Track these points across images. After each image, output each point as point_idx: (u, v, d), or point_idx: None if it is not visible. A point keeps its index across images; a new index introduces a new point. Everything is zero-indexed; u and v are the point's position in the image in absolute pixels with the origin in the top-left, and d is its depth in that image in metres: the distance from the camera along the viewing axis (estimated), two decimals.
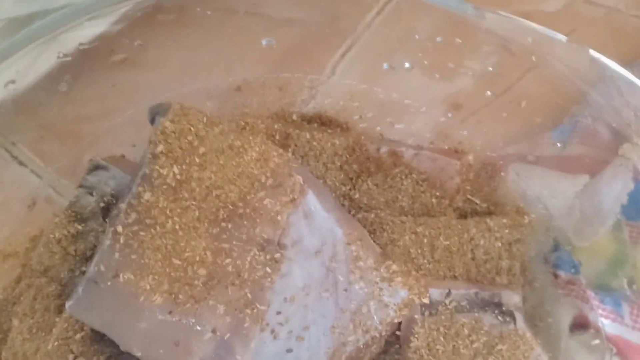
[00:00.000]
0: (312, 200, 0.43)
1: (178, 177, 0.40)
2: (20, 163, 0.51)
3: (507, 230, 0.48)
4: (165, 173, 0.40)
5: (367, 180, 0.51)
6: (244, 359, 0.41)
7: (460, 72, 0.50)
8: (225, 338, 0.41)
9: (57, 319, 0.45)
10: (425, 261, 0.47)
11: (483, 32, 0.45)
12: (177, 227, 0.40)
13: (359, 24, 0.54)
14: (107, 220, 0.46)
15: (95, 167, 0.48)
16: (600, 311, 0.48)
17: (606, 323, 0.48)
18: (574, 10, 0.57)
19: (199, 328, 0.40)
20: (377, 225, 0.48)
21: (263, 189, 0.41)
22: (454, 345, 0.43)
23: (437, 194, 0.51)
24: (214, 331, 0.40)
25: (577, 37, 0.47)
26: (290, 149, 0.50)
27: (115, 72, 0.52)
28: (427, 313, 0.44)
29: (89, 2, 0.47)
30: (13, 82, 0.46)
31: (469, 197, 0.51)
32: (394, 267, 0.43)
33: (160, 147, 0.40)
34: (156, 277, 0.40)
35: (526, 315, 0.47)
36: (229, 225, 0.41)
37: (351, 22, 0.54)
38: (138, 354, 0.41)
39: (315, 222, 0.43)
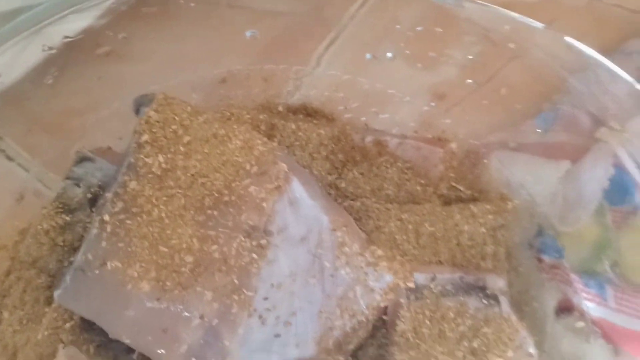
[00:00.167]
0: (297, 188, 0.43)
1: (163, 165, 0.41)
2: (8, 157, 0.51)
3: (491, 216, 0.49)
4: (150, 162, 0.41)
5: (353, 169, 0.52)
6: (232, 344, 0.41)
7: (442, 61, 0.50)
8: (213, 324, 0.41)
9: (47, 310, 0.45)
10: (410, 247, 0.48)
11: (463, 21, 0.46)
12: (163, 215, 0.40)
13: (343, 14, 0.54)
14: (94, 210, 0.46)
15: (82, 159, 0.48)
16: (584, 295, 0.48)
17: (590, 306, 0.48)
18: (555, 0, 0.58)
19: (186, 314, 0.41)
20: (363, 213, 0.49)
21: (248, 176, 0.42)
22: (439, 329, 0.43)
23: (422, 181, 0.52)
24: (201, 317, 0.41)
25: (558, 26, 0.48)
26: (276, 140, 0.50)
27: (101, 65, 0.52)
28: (412, 297, 0.44)
29: None
30: None
31: (453, 184, 0.52)
32: (379, 251, 0.43)
33: (145, 137, 0.41)
34: (143, 265, 0.40)
35: (512, 300, 0.47)
36: (215, 213, 0.41)
37: (335, 12, 0.54)
38: (127, 341, 0.41)
39: (300, 210, 0.43)
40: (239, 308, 0.42)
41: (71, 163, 0.49)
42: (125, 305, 0.41)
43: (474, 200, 0.51)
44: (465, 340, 0.43)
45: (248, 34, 0.52)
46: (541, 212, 0.51)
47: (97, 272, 0.41)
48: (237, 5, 0.52)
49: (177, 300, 0.41)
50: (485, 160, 0.51)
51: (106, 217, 0.40)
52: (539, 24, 0.44)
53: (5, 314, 0.45)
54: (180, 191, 0.41)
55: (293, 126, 0.51)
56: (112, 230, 0.40)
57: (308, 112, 0.56)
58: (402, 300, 0.44)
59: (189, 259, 0.41)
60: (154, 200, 0.41)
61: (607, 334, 0.48)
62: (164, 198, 0.41)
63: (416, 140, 0.52)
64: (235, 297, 0.41)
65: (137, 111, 0.43)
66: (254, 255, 0.42)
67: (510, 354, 0.42)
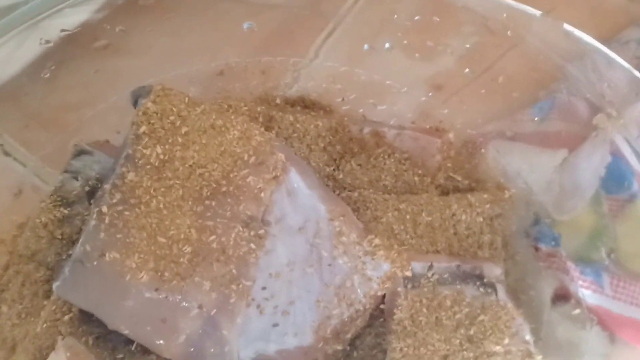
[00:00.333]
0: (294, 178, 0.43)
1: (161, 156, 0.41)
2: (5, 152, 0.51)
3: (488, 205, 0.49)
4: (148, 153, 0.41)
5: (351, 160, 0.52)
6: (231, 334, 0.42)
7: (440, 50, 0.50)
8: (212, 314, 0.41)
9: (45, 303, 0.45)
10: (408, 237, 0.48)
11: (460, 10, 0.46)
12: (161, 205, 0.41)
13: (341, 6, 0.54)
14: (92, 202, 0.47)
15: (80, 152, 0.49)
16: (580, 282, 0.49)
17: (587, 294, 0.49)
18: None
19: (185, 304, 0.41)
20: (360, 204, 0.49)
21: (246, 167, 0.42)
22: (436, 317, 0.44)
23: (420, 172, 0.52)
24: (200, 307, 0.41)
25: (556, 15, 0.48)
26: (274, 132, 0.50)
27: (98, 58, 0.52)
28: (409, 286, 0.45)
29: None
30: None
31: (451, 174, 0.52)
32: (377, 240, 0.44)
33: (142, 128, 0.41)
34: (142, 256, 0.40)
35: (509, 289, 0.47)
36: (213, 203, 0.41)
37: (333, 4, 0.54)
38: (125, 332, 0.41)
39: (298, 200, 0.43)
40: (237, 298, 0.42)
41: (69, 156, 0.50)
42: (124, 296, 0.41)
43: (471, 189, 0.52)
44: (462, 328, 0.44)
45: (245, 25, 0.52)
46: (538, 200, 0.51)
47: (95, 263, 0.41)
48: None
49: (176, 291, 0.41)
50: (482, 150, 0.52)
51: (104, 209, 0.41)
52: (536, 12, 0.44)
53: (4, 308, 0.46)
54: (178, 182, 0.41)
55: (291, 118, 0.51)
56: (110, 221, 0.41)
57: (306, 104, 0.56)
58: (399, 288, 0.45)
59: (188, 249, 0.41)
60: (152, 191, 0.41)
61: (603, 321, 0.48)
62: (162, 189, 0.41)
63: (414, 131, 0.53)
64: (234, 286, 0.42)
65: (134, 103, 0.43)
66: (252, 245, 0.42)
67: (506, 340, 0.43)
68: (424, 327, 0.43)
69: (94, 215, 0.41)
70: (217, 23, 0.54)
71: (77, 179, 0.48)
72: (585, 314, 0.48)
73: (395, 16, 0.49)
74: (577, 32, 0.43)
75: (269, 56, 0.55)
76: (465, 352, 0.42)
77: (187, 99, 0.42)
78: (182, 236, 0.41)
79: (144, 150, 0.41)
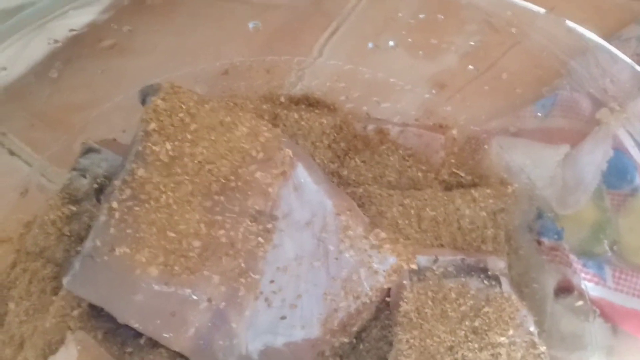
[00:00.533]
0: (301, 173, 0.44)
1: (171, 153, 0.41)
2: (11, 152, 0.51)
3: (491, 200, 0.50)
4: (158, 150, 0.41)
5: (355, 157, 0.53)
6: (239, 327, 0.42)
7: (443, 48, 0.51)
8: (221, 307, 0.42)
9: (54, 299, 0.45)
10: (412, 231, 0.48)
11: (464, 7, 0.47)
12: (171, 201, 0.41)
13: (344, 4, 0.55)
14: (100, 201, 0.47)
15: (88, 150, 0.49)
16: (583, 275, 0.49)
17: (589, 286, 0.49)
18: None
19: (194, 298, 0.41)
20: (365, 199, 0.50)
21: (254, 162, 0.43)
22: (442, 309, 0.44)
23: (423, 168, 0.53)
24: (209, 300, 0.42)
25: (557, 13, 0.49)
26: (279, 129, 0.51)
27: (104, 58, 0.52)
28: (415, 279, 0.45)
29: None
30: (4, 68, 0.47)
31: (454, 170, 0.53)
32: (383, 234, 0.44)
33: (152, 125, 0.41)
34: (152, 250, 0.41)
35: (512, 282, 0.48)
36: (222, 198, 0.42)
37: (336, 3, 0.55)
38: (135, 326, 0.42)
39: (305, 195, 0.44)
40: (245, 291, 0.42)
41: (77, 154, 0.50)
42: (134, 290, 0.41)
43: (474, 185, 0.52)
44: (467, 320, 0.44)
45: (251, 25, 0.53)
46: (541, 195, 0.51)
47: (105, 258, 0.41)
48: None
49: (185, 284, 0.41)
50: (485, 146, 0.52)
51: (114, 204, 0.41)
52: (540, 9, 0.45)
53: (12, 306, 0.46)
54: (187, 178, 0.42)
55: (296, 116, 0.52)
56: (120, 217, 0.41)
57: (310, 102, 0.56)
58: (405, 281, 0.45)
59: (197, 243, 0.41)
60: (161, 187, 0.41)
61: (606, 312, 0.49)
62: (172, 185, 0.41)
63: (417, 128, 0.53)
64: (242, 280, 0.42)
65: (143, 101, 0.43)
66: (260, 239, 0.42)
67: (511, 332, 0.43)
68: (429, 319, 0.44)
69: (104, 211, 0.41)
70: (221, 22, 0.54)
71: (85, 177, 0.48)
72: (588, 306, 0.49)
73: (400, 14, 0.50)
74: (580, 29, 0.44)
75: (273, 55, 0.55)
76: (470, 344, 0.43)
77: (196, 96, 0.43)
78: (192, 231, 0.41)
79: (154, 147, 0.41)
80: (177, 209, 0.41)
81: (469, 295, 0.45)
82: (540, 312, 0.49)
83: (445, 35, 0.50)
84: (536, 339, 0.44)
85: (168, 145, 0.41)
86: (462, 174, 0.53)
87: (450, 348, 0.43)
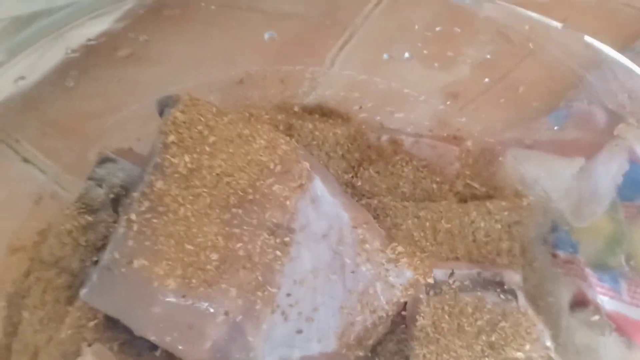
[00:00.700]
0: (318, 186, 0.44)
1: (189, 165, 0.41)
2: (25, 160, 0.51)
3: (506, 213, 0.50)
4: (176, 162, 0.41)
5: (369, 168, 0.53)
6: (256, 340, 0.42)
7: (459, 60, 0.51)
8: (238, 320, 0.42)
9: (69, 309, 0.45)
10: (428, 244, 0.48)
11: (480, 20, 0.47)
12: (189, 213, 0.41)
13: (357, 15, 0.55)
14: (117, 211, 0.47)
15: (104, 160, 0.49)
16: (598, 289, 0.49)
17: (605, 300, 0.49)
18: None
19: (212, 311, 0.41)
20: (380, 211, 0.50)
21: (272, 175, 0.43)
22: (458, 323, 0.44)
23: (438, 179, 0.53)
24: (226, 314, 0.42)
25: (572, 24, 0.48)
26: (293, 140, 0.51)
27: (120, 67, 0.52)
28: (432, 293, 0.45)
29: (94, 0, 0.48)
30: (23, 78, 0.47)
31: (469, 181, 0.53)
32: (400, 248, 0.44)
33: (171, 137, 0.41)
34: (170, 263, 0.41)
35: (527, 295, 0.48)
36: (240, 211, 0.42)
37: (350, 13, 0.55)
38: (152, 338, 0.42)
39: (322, 207, 0.44)
40: (262, 304, 0.42)
41: (92, 164, 0.50)
42: (152, 303, 0.41)
43: (488, 197, 0.52)
44: (483, 334, 0.44)
45: (266, 35, 0.53)
46: (555, 208, 0.51)
47: (123, 270, 0.41)
48: (254, 8, 0.53)
49: (203, 297, 0.41)
50: (500, 158, 0.52)
51: (133, 216, 0.41)
52: (557, 24, 0.45)
53: (26, 314, 0.46)
54: (205, 190, 0.42)
55: (310, 126, 0.52)
56: (138, 229, 0.41)
57: (324, 112, 0.56)
58: (421, 295, 0.45)
59: (215, 256, 0.41)
60: (180, 200, 0.41)
61: (621, 326, 0.49)
62: (190, 197, 0.41)
63: (432, 139, 0.53)
64: (260, 293, 0.42)
65: (161, 112, 0.43)
66: (278, 253, 0.42)
67: (527, 347, 0.43)
68: (446, 333, 0.44)
69: (123, 223, 0.41)
70: (237, 32, 0.54)
71: (101, 187, 0.48)
72: (604, 320, 0.49)
73: (417, 26, 0.50)
74: (598, 44, 0.44)
75: (287, 65, 0.55)
76: (487, 359, 0.43)
77: (214, 108, 0.43)
78: (210, 243, 0.41)
79: (173, 159, 0.41)
80: (195, 221, 0.41)
81: (485, 310, 0.45)
82: (556, 326, 0.49)
83: (461, 47, 0.50)
84: (553, 354, 0.44)
85: (187, 158, 0.41)
86: (477, 186, 0.53)
87: None
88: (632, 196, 0.49)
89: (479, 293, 0.46)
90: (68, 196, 0.51)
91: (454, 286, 0.46)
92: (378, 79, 0.55)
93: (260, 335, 0.42)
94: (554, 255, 0.51)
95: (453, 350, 0.43)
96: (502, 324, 0.44)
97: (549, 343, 0.44)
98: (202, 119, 0.42)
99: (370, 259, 0.44)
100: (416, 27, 0.50)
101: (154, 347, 0.44)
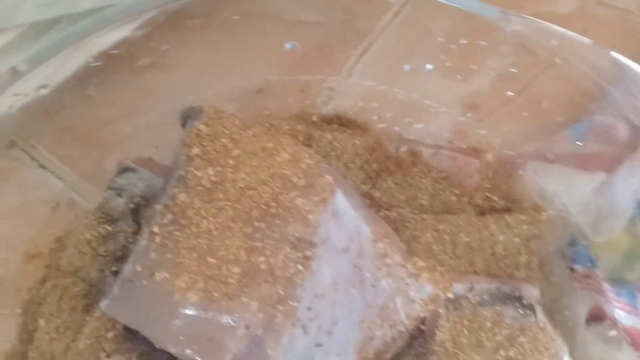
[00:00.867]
0: (340, 199, 0.44)
1: (213, 178, 0.41)
2: (41, 166, 0.51)
3: (525, 227, 0.50)
4: (200, 175, 0.41)
5: (387, 179, 0.53)
6: (276, 353, 0.42)
7: (481, 72, 0.51)
8: (258, 333, 0.42)
9: (86, 318, 0.45)
10: (447, 257, 0.48)
11: (505, 34, 0.46)
12: (211, 227, 0.41)
13: (376, 25, 0.55)
14: (136, 221, 0.47)
15: (124, 170, 0.49)
16: (616, 303, 0.49)
17: (622, 315, 0.49)
18: (586, 11, 0.58)
19: (232, 324, 0.41)
20: (399, 223, 0.50)
21: (295, 189, 0.43)
22: (477, 338, 0.44)
23: (457, 191, 0.52)
24: (247, 327, 0.42)
25: (589, 38, 0.48)
26: (312, 150, 0.51)
27: (138, 75, 0.52)
28: (451, 307, 0.45)
29: (116, 10, 0.48)
30: (45, 86, 0.47)
31: (488, 194, 0.53)
32: (421, 263, 0.44)
33: (195, 150, 0.41)
34: (192, 276, 0.41)
35: (544, 309, 0.48)
36: (262, 225, 0.42)
37: (369, 23, 0.55)
38: (172, 351, 0.42)
39: (343, 220, 0.44)
40: (283, 318, 0.42)
41: (111, 172, 0.50)
42: (173, 315, 0.41)
43: (508, 210, 0.52)
44: (502, 349, 0.44)
45: (288, 45, 0.53)
46: (574, 222, 0.51)
47: (145, 282, 0.41)
48: (274, 17, 0.53)
49: (224, 310, 0.41)
50: (520, 171, 0.52)
51: (155, 229, 0.41)
52: (586, 40, 0.45)
53: (42, 322, 0.46)
54: (228, 203, 0.42)
55: (329, 136, 0.52)
56: (161, 241, 0.41)
57: (342, 122, 0.56)
58: (440, 310, 0.45)
59: (236, 270, 0.41)
60: (202, 213, 0.41)
61: (637, 341, 0.48)
62: (213, 210, 0.41)
63: (451, 151, 0.53)
64: (280, 307, 0.42)
65: (183, 124, 0.43)
66: (299, 267, 0.42)
67: None
68: (465, 348, 0.44)
69: (145, 235, 0.41)
70: (256, 40, 0.54)
71: (121, 196, 0.48)
72: (620, 335, 0.49)
73: (440, 39, 0.50)
74: (624, 60, 0.44)
75: (307, 74, 0.55)
76: None
77: (238, 121, 0.43)
78: (232, 257, 0.41)
79: (196, 172, 0.41)
80: (217, 234, 0.41)
81: (504, 325, 0.45)
82: (571, 340, 0.48)
83: (484, 59, 0.50)
84: None
85: (210, 171, 0.41)
86: (496, 199, 0.53)
87: None
88: None
89: (498, 308, 0.46)
90: (85, 204, 0.52)
91: (473, 301, 0.46)
92: (397, 89, 0.55)
93: (280, 348, 0.42)
94: (572, 270, 0.51)
95: None
96: (521, 339, 0.44)
97: (567, 358, 0.45)
98: (226, 131, 0.42)
99: (390, 274, 0.44)
100: (440, 39, 0.50)
101: (173, 359, 0.44)
